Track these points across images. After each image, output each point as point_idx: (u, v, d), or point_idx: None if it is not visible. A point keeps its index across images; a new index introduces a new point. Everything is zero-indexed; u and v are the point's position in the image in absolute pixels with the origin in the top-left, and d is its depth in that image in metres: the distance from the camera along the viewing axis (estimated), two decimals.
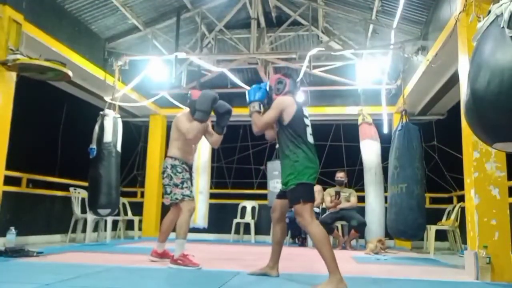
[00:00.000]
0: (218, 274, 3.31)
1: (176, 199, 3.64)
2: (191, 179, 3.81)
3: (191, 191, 3.72)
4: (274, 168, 6.89)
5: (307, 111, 3.20)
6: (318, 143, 3.46)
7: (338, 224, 6.50)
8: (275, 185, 6.84)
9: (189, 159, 3.87)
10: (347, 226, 6.42)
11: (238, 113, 8.08)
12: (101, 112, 5.71)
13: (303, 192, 2.86)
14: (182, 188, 3.66)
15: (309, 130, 3.07)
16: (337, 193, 6.34)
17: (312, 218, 2.83)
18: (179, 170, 3.70)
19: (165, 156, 3.87)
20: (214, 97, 3.78)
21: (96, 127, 5.59)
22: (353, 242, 6.38)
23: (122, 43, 6.76)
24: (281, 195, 3.13)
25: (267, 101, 3.24)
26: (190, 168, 3.87)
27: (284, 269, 3.35)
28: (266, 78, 7.33)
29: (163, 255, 3.96)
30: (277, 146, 7.49)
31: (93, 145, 5.49)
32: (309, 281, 2.97)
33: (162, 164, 3.80)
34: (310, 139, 3.04)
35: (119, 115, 5.88)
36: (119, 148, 5.70)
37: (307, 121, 3.11)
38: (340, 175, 6.56)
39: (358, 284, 3.02)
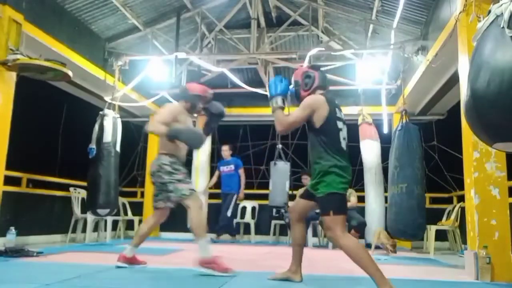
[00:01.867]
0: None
1: (183, 194, 3.27)
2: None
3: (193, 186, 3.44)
4: (282, 170, 6.90)
5: (341, 112, 2.90)
6: None
7: None
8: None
9: (183, 156, 3.53)
10: (347, 226, 6.41)
11: (238, 113, 8.20)
12: (101, 112, 5.72)
13: (333, 202, 2.64)
14: (187, 183, 3.35)
15: (342, 134, 2.80)
16: None
17: (343, 232, 2.61)
18: (179, 165, 3.40)
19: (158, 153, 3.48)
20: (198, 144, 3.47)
21: (96, 127, 5.60)
22: None
23: (122, 43, 6.76)
24: (307, 195, 2.90)
25: (296, 99, 2.93)
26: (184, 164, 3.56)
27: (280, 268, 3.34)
28: (266, 78, 7.34)
29: (132, 261, 3.52)
30: (278, 146, 7.54)
31: (93, 145, 5.49)
32: (308, 282, 2.97)
33: (154, 162, 3.41)
34: (343, 145, 2.78)
35: (118, 115, 5.89)
36: (118, 148, 5.70)
37: (341, 124, 2.82)
38: None
39: (358, 284, 3.02)
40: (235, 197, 7.12)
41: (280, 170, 6.89)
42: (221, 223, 7.04)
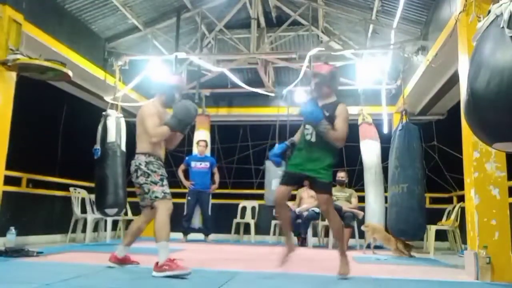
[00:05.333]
0: (217, 274, 3.31)
1: (156, 197, 3.23)
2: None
3: (169, 190, 3.35)
4: (273, 169, 6.88)
5: None
6: None
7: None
8: None
9: (161, 154, 3.46)
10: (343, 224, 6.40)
11: (238, 113, 8.19)
12: (104, 113, 5.71)
13: (330, 188, 3.41)
14: (162, 185, 3.27)
15: None
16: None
17: (333, 208, 3.38)
18: (156, 166, 3.32)
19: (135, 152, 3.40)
20: (194, 112, 3.41)
21: (99, 128, 5.59)
22: (353, 242, 6.36)
23: (122, 43, 6.76)
24: (293, 181, 3.37)
25: (317, 93, 3.39)
26: (163, 163, 3.46)
27: (285, 269, 3.35)
28: (266, 78, 7.34)
29: (123, 261, 3.49)
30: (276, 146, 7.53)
31: (97, 146, 5.49)
32: (308, 282, 2.97)
33: (132, 162, 3.36)
34: None
35: (121, 115, 5.89)
36: (123, 147, 5.69)
37: None
38: (341, 175, 6.53)
39: (358, 284, 3.02)
40: (210, 196, 7.06)
41: (271, 169, 6.89)
42: (207, 225, 6.93)
